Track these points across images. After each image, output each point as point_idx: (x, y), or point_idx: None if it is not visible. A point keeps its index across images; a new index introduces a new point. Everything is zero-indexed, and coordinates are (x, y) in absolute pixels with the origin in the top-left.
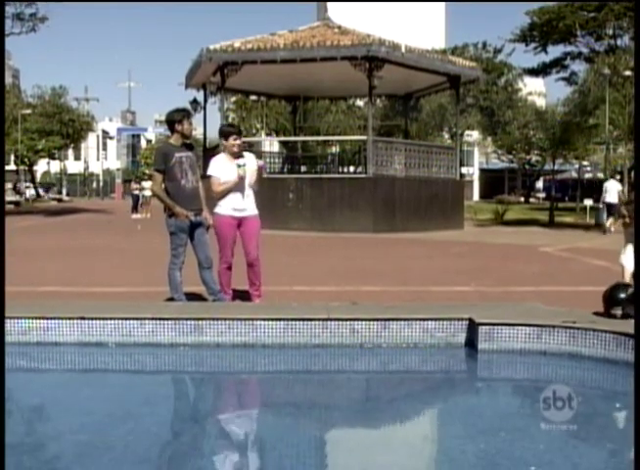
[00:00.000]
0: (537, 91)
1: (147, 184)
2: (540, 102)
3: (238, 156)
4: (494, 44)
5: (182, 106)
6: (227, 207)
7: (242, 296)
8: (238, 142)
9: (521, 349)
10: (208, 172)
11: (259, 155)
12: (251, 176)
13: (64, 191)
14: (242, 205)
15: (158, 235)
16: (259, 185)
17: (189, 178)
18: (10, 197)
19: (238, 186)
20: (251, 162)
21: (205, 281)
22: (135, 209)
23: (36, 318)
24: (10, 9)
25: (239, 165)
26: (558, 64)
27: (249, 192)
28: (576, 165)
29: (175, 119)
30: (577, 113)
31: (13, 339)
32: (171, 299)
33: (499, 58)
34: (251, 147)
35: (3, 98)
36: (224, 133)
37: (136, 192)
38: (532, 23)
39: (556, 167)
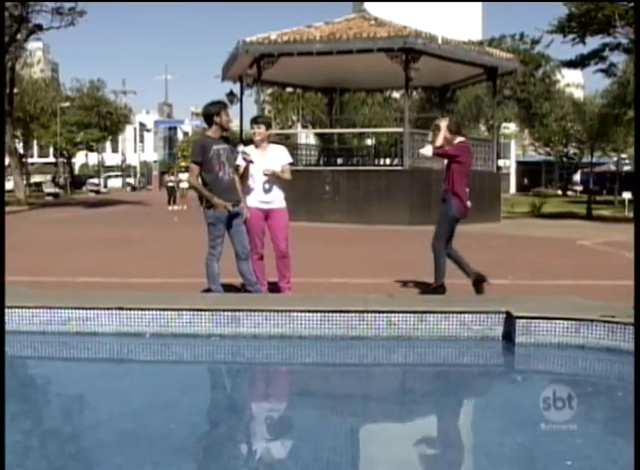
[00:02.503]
0: (575, 83)
1: (184, 176)
2: (578, 94)
3: (264, 146)
4: (532, 35)
5: (219, 98)
6: (253, 199)
7: (272, 288)
8: (256, 131)
9: (558, 342)
10: (236, 163)
11: (295, 147)
12: (267, 167)
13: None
14: (266, 197)
15: (194, 227)
16: (284, 179)
17: (226, 170)
18: (49, 188)
19: (247, 176)
20: (278, 154)
21: (242, 272)
22: (172, 201)
23: (76, 308)
24: (50, 3)
25: (244, 153)
26: (596, 55)
27: (272, 185)
28: (615, 158)
29: (213, 112)
30: (616, 105)
31: (53, 328)
32: (208, 290)
33: (537, 49)
34: (287, 139)
35: (3, 94)
36: (250, 124)
37: (170, 184)
38: (570, 13)
39: (594, 160)
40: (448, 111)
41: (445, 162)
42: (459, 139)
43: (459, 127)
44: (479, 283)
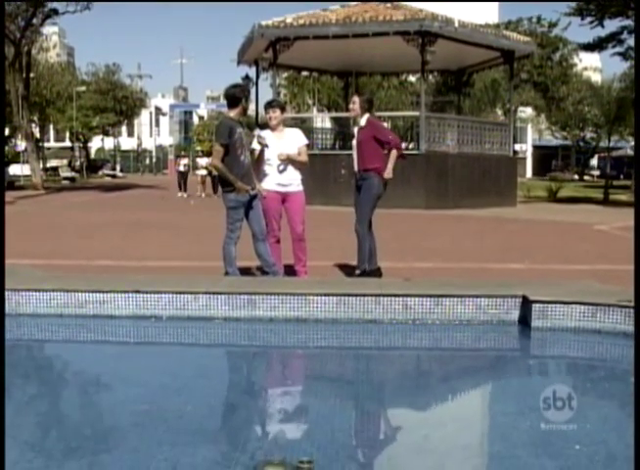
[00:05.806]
0: (593, 66)
1: (203, 161)
2: (596, 77)
3: (280, 129)
4: (549, 18)
5: (235, 82)
6: (271, 181)
7: (288, 271)
8: (271, 115)
9: (575, 327)
10: (252, 146)
11: (311, 131)
12: (282, 151)
13: (117, 167)
14: (284, 180)
15: (210, 210)
16: (300, 162)
17: (246, 154)
18: (65, 173)
19: (261, 160)
20: (294, 137)
21: (260, 253)
22: (182, 187)
23: (92, 292)
24: None
25: (260, 137)
26: (614, 38)
27: (291, 168)
28: (632, 142)
29: (240, 96)
30: (634, 88)
31: (70, 311)
32: (225, 273)
33: (554, 32)
34: (302, 123)
35: (3, 90)
36: (265, 109)
37: (181, 168)
38: None
39: (611, 144)
40: (465, 94)
41: (355, 142)
42: (366, 117)
43: (370, 105)
44: (371, 274)
